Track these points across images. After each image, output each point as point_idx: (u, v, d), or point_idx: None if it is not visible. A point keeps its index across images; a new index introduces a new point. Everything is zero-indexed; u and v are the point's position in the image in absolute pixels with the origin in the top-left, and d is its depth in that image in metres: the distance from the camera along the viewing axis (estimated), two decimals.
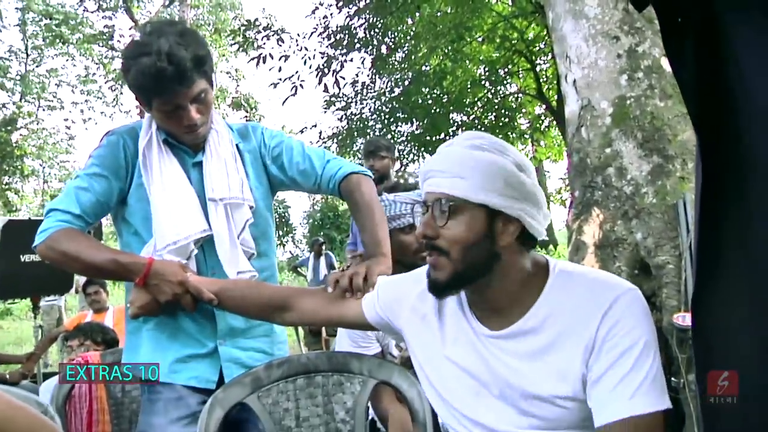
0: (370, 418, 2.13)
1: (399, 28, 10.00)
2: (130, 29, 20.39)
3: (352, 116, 10.05)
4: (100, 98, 21.94)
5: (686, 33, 1.09)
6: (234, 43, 9.73)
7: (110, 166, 1.69)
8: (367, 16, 9.21)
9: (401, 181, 4.08)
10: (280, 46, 8.98)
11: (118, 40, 20.54)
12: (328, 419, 1.72)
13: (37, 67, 21.97)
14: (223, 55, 20.23)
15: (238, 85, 22.20)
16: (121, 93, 21.82)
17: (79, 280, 6.39)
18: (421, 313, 1.36)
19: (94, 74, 21.74)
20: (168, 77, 1.54)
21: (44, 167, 22.89)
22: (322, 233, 18.67)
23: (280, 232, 22.25)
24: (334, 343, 2.59)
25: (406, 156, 10.01)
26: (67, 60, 21.74)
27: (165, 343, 1.72)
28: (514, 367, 1.21)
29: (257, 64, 8.60)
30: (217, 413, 1.59)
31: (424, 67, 9.87)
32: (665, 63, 3.21)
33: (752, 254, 1.00)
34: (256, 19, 9.01)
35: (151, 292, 1.63)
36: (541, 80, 10.57)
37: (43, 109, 22.15)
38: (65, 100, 22.60)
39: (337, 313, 1.53)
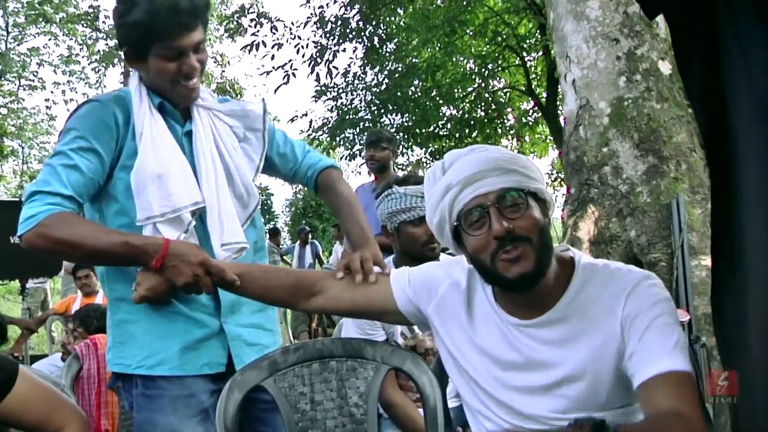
0: None
1: (391, 20, 10.03)
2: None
3: (343, 106, 10.07)
4: (83, 79, 21.52)
5: (696, 46, 1.15)
6: (227, 30, 9.68)
7: (100, 137, 1.53)
8: (361, 7, 9.22)
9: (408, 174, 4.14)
10: (274, 34, 8.99)
11: (103, 21, 20.18)
12: (342, 403, 1.76)
13: (18, 45, 21.51)
14: (208, 39, 20.02)
15: (223, 71, 22.04)
16: (105, 75, 21.49)
17: (67, 263, 6.36)
18: (451, 302, 1.41)
19: (77, 55, 21.33)
20: (183, 11, 1.48)
21: (24, 147, 22.45)
22: (304, 221, 18.63)
23: (262, 220, 22.14)
24: (338, 331, 2.63)
25: (396, 147, 10.06)
26: (49, 39, 21.27)
27: (165, 329, 1.60)
28: (545, 353, 1.27)
29: (249, 51, 8.59)
30: (235, 396, 1.60)
31: (415, 60, 9.91)
32: (663, 66, 3.30)
33: (745, 252, 1.07)
34: (251, 6, 9.00)
35: (167, 274, 1.49)
36: (530, 76, 10.66)
37: (24, 89, 21.68)
38: (47, 80, 22.23)
39: (364, 298, 1.52)
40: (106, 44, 20.42)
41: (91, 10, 19.95)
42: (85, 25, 20.45)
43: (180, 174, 1.59)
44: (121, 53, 1.65)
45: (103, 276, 1.66)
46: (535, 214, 1.25)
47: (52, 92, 29.10)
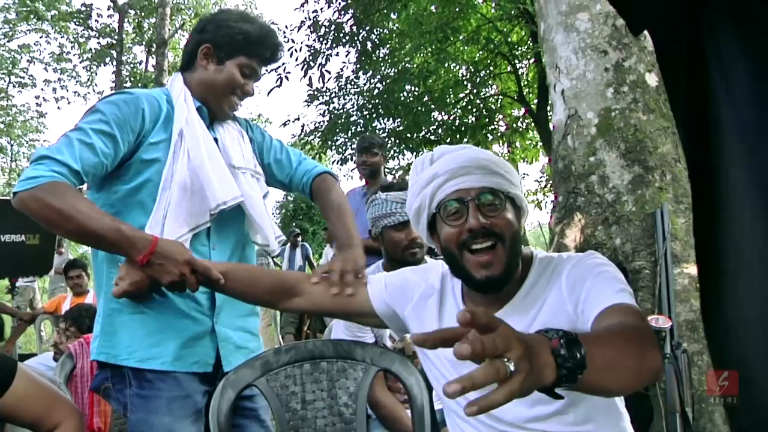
0: None
1: (385, 25, 10.09)
2: (108, 9, 20.04)
3: (335, 110, 10.11)
4: (74, 77, 21.44)
5: (681, 67, 1.20)
6: None
7: (123, 128, 1.56)
8: (355, 11, 9.28)
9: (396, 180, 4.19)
10: None
11: (95, 20, 20.13)
12: (332, 403, 1.79)
13: (8, 41, 21.39)
14: None
15: None
16: (96, 74, 21.39)
17: (58, 263, 6.35)
18: (426, 307, 1.46)
19: (68, 53, 21.23)
20: (277, 55, 1.79)
21: (13, 145, 22.36)
22: (294, 224, 18.61)
23: None
24: (329, 333, 2.67)
25: (387, 152, 10.11)
26: (40, 37, 21.18)
27: (160, 323, 1.61)
28: None
29: None
30: (228, 394, 1.62)
31: (407, 65, 9.97)
32: (649, 78, 3.37)
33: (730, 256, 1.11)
34: (245, 9, 9.02)
35: (153, 272, 1.50)
36: (522, 83, 10.75)
37: (14, 86, 21.58)
38: (37, 78, 22.16)
39: (343, 302, 1.56)
40: (98, 42, 20.35)
41: (83, 8, 19.87)
42: (77, 23, 20.35)
43: (226, 173, 1.69)
44: (202, 48, 1.72)
45: (102, 261, 1.64)
46: (510, 216, 1.31)
47: (42, 90, 28.98)
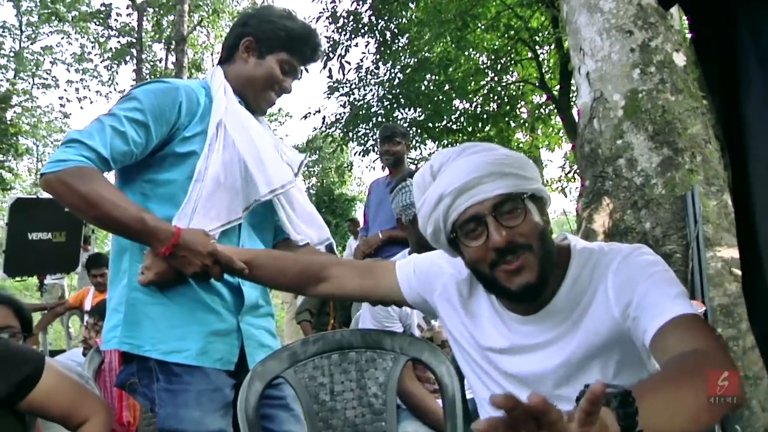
0: None
1: (403, 14, 10.04)
2: (127, 8, 20.25)
3: (355, 102, 10.10)
4: (96, 77, 21.76)
5: (713, 41, 1.15)
6: None
7: (158, 118, 1.54)
8: (373, 1, 9.26)
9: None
10: None
11: (115, 19, 20.38)
12: (361, 393, 1.76)
13: (31, 44, 21.74)
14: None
15: None
16: (117, 73, 21.66)
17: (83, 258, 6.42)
18: (454, 295, 1.43)
19: (89, 53, 21.55)
20: (315, 42, 1.78)
21: (38, 146, 22.72)
22: None
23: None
24: (355, 324, 2.65)
25: (409, 142, 10.08)
26: (62, 38, 21.54)
27: (186, 317, 1.59)
28: (548, 345, 1.26)
29: None
30: (256, 386, 1.61)
31: (427, 54, 9.92)
32: (677, 58, 3.28)
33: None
34: (263, 1, 9.05)
35: (176, 263, 1.50)
36: (543, 69, 10.63)
37: (38, 87, 21.93)
38: (60, 79, 22.47)
39: (371, 285, 1.53)
40: (118, 41, 20.62)
41: (103, 8, 20.12)
42: (97, 23, 20.62)
43: (278, 157, 1.73)
44: (244, 41, 1.74)
45: (125, 250, 1.62)
46: (534, 219, 1.20)
47: (65, 90, 29.48)
